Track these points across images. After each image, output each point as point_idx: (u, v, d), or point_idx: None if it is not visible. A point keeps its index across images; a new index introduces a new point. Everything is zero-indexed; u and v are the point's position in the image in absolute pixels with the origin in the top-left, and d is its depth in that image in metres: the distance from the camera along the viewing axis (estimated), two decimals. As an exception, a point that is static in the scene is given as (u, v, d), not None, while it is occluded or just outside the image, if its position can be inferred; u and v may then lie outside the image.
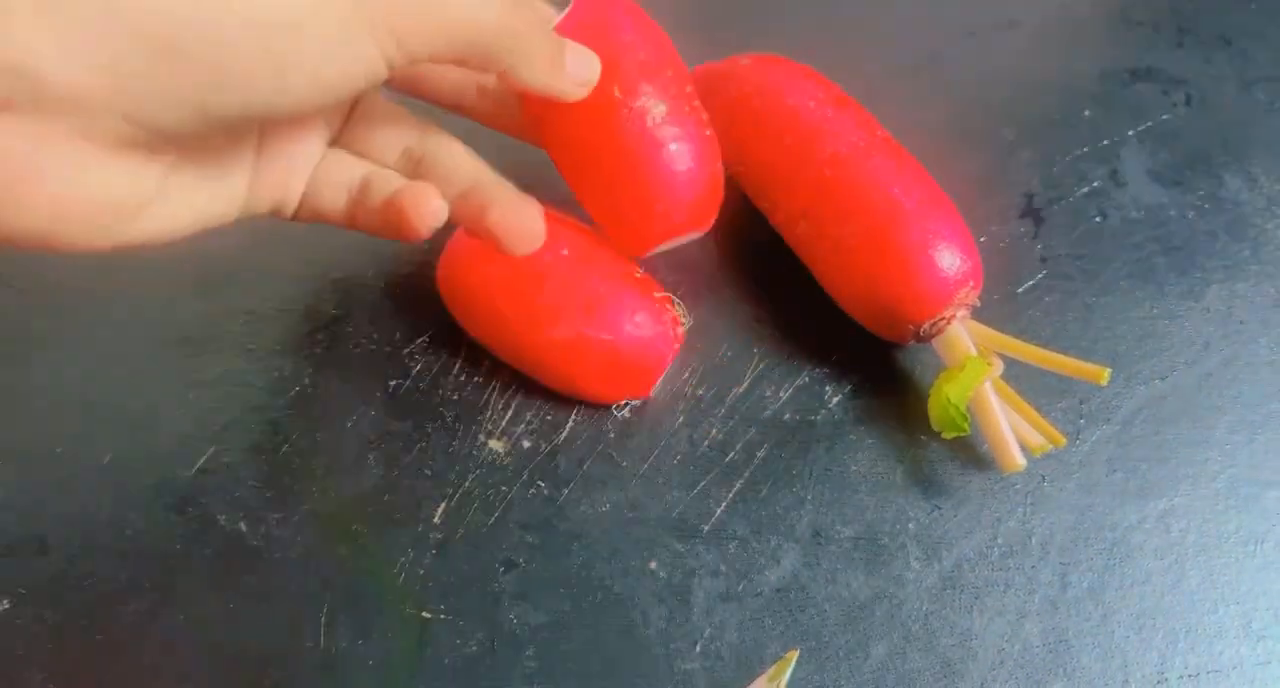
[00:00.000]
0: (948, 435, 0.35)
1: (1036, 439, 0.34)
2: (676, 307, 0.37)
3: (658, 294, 0.36)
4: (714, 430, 0.37)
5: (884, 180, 0.36)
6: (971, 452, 0.37)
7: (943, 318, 0.35)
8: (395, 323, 0.38)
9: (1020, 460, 0.34)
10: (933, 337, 0.36)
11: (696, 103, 0.35)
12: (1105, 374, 0.33)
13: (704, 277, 0.41)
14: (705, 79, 0.41)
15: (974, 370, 0.34)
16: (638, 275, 0.36)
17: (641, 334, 0.35)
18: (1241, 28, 0.52)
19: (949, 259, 0.35)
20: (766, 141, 0.38)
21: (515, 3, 0.28)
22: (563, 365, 0.35)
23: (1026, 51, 0.51)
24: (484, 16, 0.27)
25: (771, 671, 0.31)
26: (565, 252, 0.35)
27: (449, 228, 0.41)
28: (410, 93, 0.35)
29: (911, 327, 0.36)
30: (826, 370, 0.38)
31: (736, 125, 0.39)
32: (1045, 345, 0.39)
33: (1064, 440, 0.34)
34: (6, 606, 0.32)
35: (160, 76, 0.23)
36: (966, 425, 0.34)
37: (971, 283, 0.36)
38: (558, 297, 0.34)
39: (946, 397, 0.34)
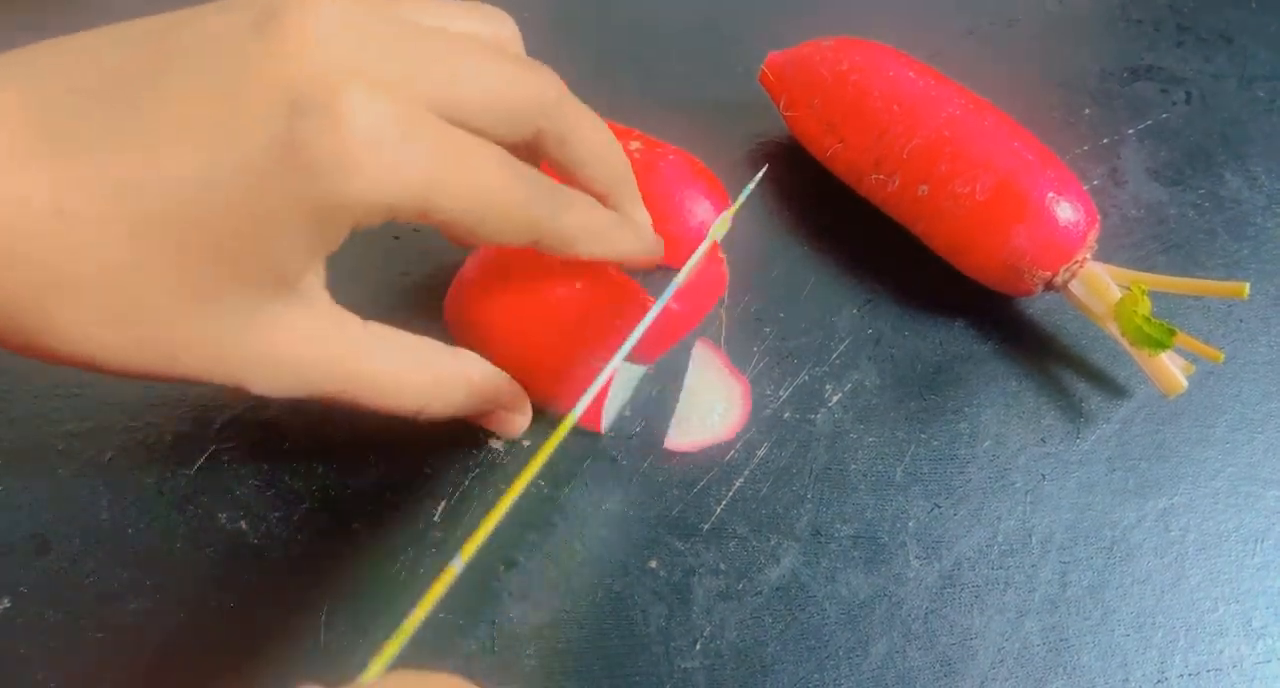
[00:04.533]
0: (1153, 354, 0.35)
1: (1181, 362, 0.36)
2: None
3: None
4: (714, 429, 0.37)
5: (1003, 135, 0.37)
6: (971, 450, 0.37)
7: (1077, 261, 0.36)
8: (395, 321, 0.38)
9: (1183, 381, 0.35)
10: (1066, 282, 0.37)
11: None
12: (1245, 289, 0.34)
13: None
14: (788, 65, 0.42)
15: (1134, 299, 0.35)
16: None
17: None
18: (1242, 25, 0.52)
19: (1077, 203, 0.37)
20: (873, 113, 0.39)
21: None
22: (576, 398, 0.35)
23: (1026, 50, 0.51)
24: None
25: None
26: (579, 286, 0.34)
27: (452, 255, 0.42)
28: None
29: (1048, 274, 0.37)
30: (826, 369, 0.38)
31: (833, 104, 0.40)
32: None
33: (1221, 356, 0.35)
34: (7, 604, 0.32)
35: (113, 334, 0.25)
36: (1170, 340, 0.34)
37: (1095, 225, 0.37)
38: (572, 334, 0.33)
39: (1140, 315, 0.34)
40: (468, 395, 0.31)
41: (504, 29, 0.30)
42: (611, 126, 0.40)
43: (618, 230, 0.32)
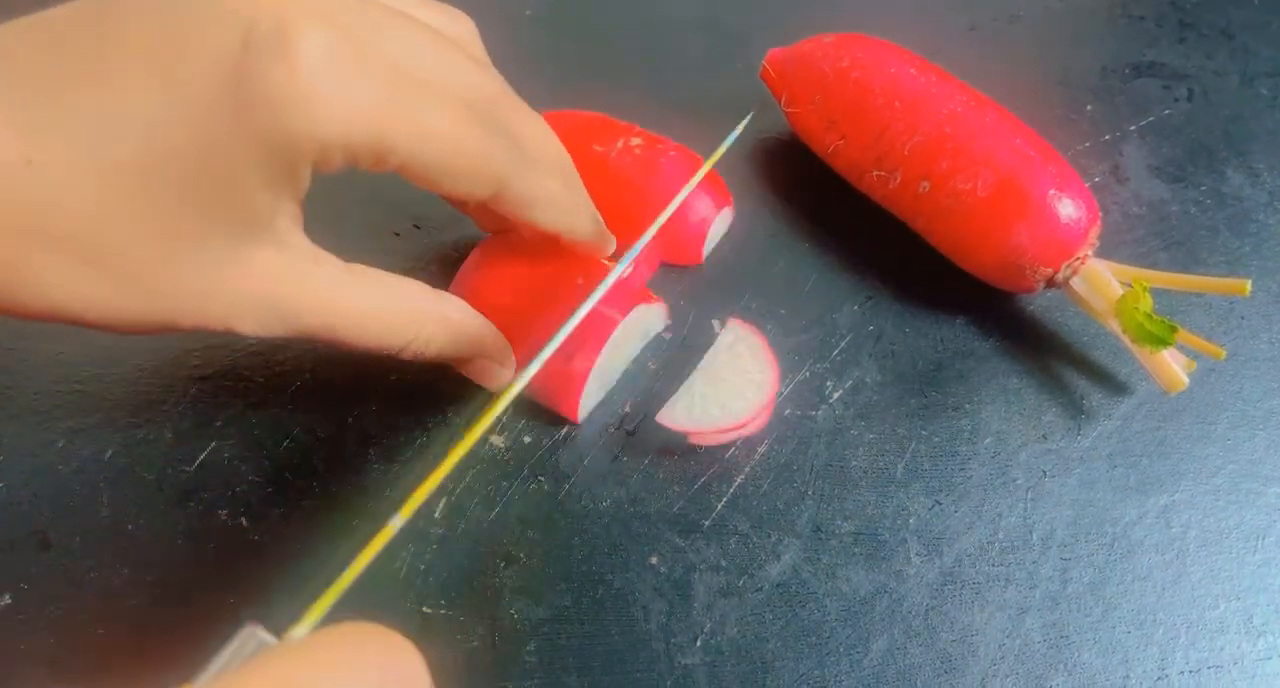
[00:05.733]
0: (1154, 350, 0.35)
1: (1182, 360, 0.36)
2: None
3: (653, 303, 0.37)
4: (715, 426, 0.37)
5: (1005, 131, 0.37)
6: (972, 447, 0.37)
7: (1078, 258, 0.36)
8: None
9: (1184, 378, 0.35)
10: (1068, 279, 0.37)
11: None
12: (1246, 286, 0.34)
13: (704, 276, 0.41)
14: (789, 61, 0.42)
15: (1135, 295, 0.35)
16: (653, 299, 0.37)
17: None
18: (1243, 22, 0.52)
19: (1078, 200, 0.36)
20: (875, 110, 0.39)
21: None
22: (578, 394, 0.35)
23: (1028, 46, 0.51)
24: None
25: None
26: (580, 281, 0.35)
27: (457, 250, 0.42)
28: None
29: (1050, 271, 0.37)
30: (827, 366, 0.38)
31: (835, 99, 0.40)
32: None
33: (1222, 353, 0.35)
34: (8, 601, 0.32)
35: (91, 285, 0.25)
36: (1172, 337, 0.34)
37: (1096, 222, 0.37)
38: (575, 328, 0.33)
39: (1141, 312, 0.34)
40: (449, 334, 0.32)
41: (461, 27, 0.30)
42: (612, 123, 0.40)
43: (577, 207, 0.32)
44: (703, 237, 0.40)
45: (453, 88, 0.27)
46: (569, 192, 0.32)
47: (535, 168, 0.30)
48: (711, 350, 0.37)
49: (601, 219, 0.34)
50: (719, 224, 0.40)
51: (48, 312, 0.24)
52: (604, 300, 0.33)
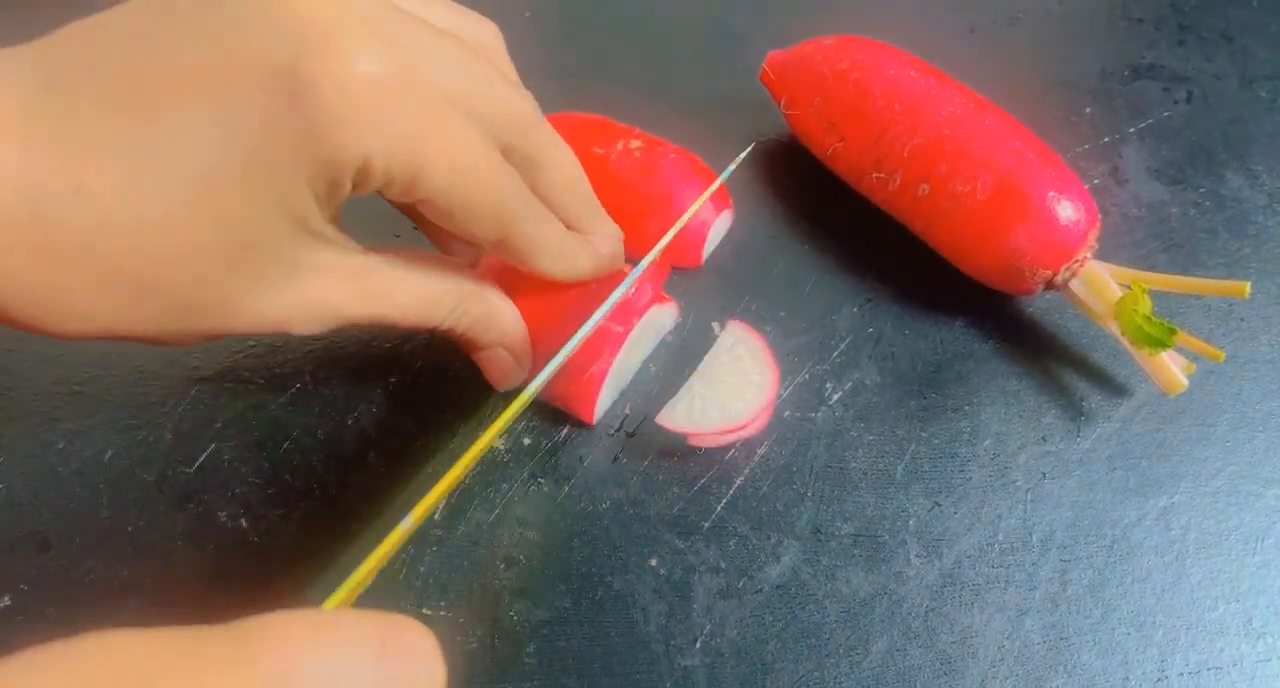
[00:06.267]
0: (1154, 352, 0.35)
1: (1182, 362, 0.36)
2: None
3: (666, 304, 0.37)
4: (714, 427, 0.37)
5: (1004, 134, 0.37)
6: (972, 448, 0.37)
7: (1077, 260, 0.36)
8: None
9: (1183, 380, 0.35)
10: (1067, 281, 0.37)
11: None
12: (1246, 288, 0.34)
13: (704, 278, 0.41)
14: (789, 63, 0.42)
15: (1134, 297, 0.35)
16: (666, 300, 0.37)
17: None
18: (1242, 24, 0.52)
19: (1077, 202, 0.37)
20: (874, 112, 0.39)
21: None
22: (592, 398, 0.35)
23: (1027, 48, 0.51)
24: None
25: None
26: (593, 285, 0.35)
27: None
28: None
29: (1049, 273, 0.37)
30: (827, 367, 0.38)
31: (835, 101, 0.40)
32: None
33: (1221, 355, 0.35)
34: (8, 602, 0.32)
35: (140, 307, 0.25)
36: (1171, 339, 0.34)
37: (1096, 224, 0.37)
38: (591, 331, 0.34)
39: (1140, 314, 0.34)
40: (483, 309, 0.32)
41: (486, 32, 0.31)
42: (612, 125, 0.40)
43: (579, 254, 0.33)
44: (703, 239, 0.40)
45: (487, 115, 0.27)
46: (576, 242, 0.32)
47: (543, 218, 0.30)
48: (711, 352, 0.37)
49: (617, 239, 0.34)
50: (719, 226, 0.41)
51: (96, 334, 0.25)
52: (619, 304, 0.34)
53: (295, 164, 0.24)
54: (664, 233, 0.36)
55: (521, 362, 0.35)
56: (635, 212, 0.37)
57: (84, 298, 0.24)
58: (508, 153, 0.29)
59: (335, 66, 0.23)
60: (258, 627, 0.18)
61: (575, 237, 0.32)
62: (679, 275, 0.40)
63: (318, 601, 0.24)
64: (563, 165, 0.31)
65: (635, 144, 0.39)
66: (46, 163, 0.22)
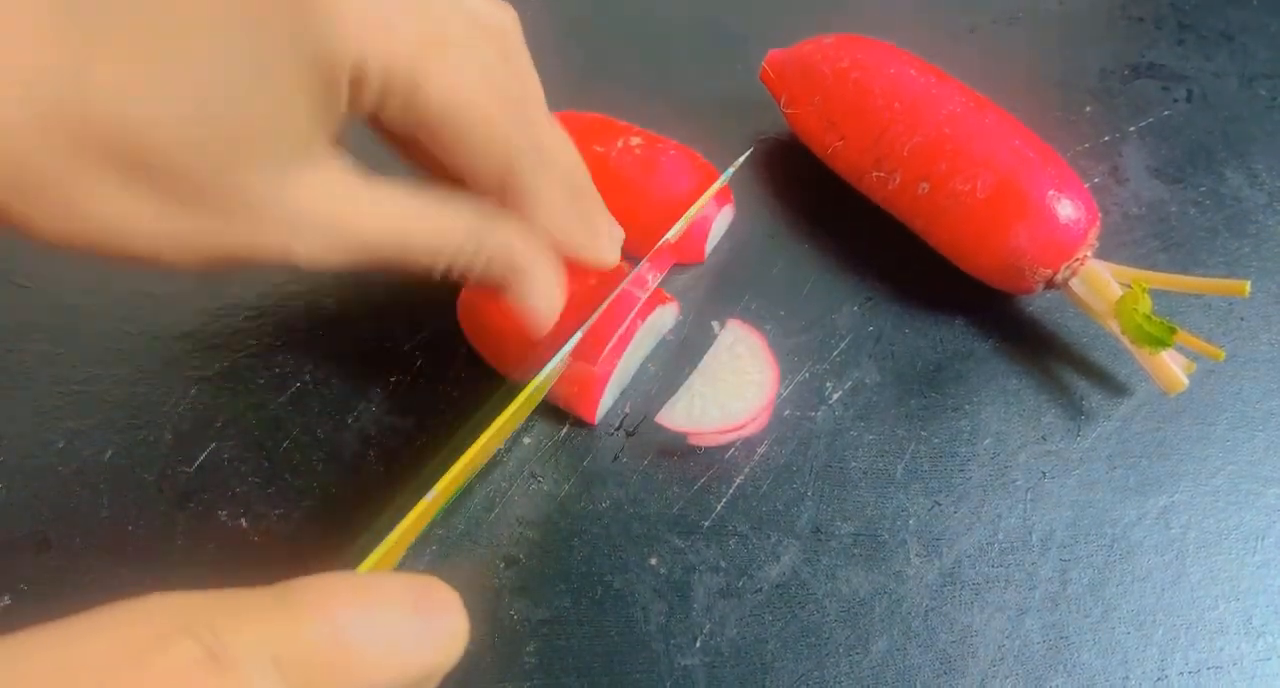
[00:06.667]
0: (1154, 352, 0.35)
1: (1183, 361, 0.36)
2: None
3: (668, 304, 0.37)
4: (714, 427, 0.37)
5: (1004, 133, 0.37)
6: (972, 448, 0.37)
7: (1077, 259, 0.36)
8: (396, 320, 0.38)
9: (1183, 379, 0.35)
10: (1067, 280, 0.37)
11: None
12: (1246, 287, 0.35)
13: (704, 276, 0.41)
14: (789, 62, 0.42)
15: (1134, 296, 0.35)
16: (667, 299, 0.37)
17: None
18: (1242, 23, 0.52)
19: (1077, 201, 0.37)
20: (874, 111, 0.39)
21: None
22: (595, 396, 0.35)
23: (1027, 47, 0.51)
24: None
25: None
26: (593, 281, 0.35)
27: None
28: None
29: (1049, 272, 0.37)
30: (827, 367, 0.38)
31: (835, 100, 0.40)
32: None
33: (1221, 354, 0.35)
34: (8, 602, 0.32)
35: (154, 202, 0.25)
36: (1171, 338, 0.34)
37: (1096, 223, 0.37)
38: (595, 327, 0.33)
39: (1141, 313, 0.34)
40: (511, 237, 0.30)
41: (505, 15, 0.30)
42: (612, 123, 0.40)
43: (586, 222, 0.32)
44: (705, 234, 0.40)
45: (490, 66, 0.27)
46: (573, 204, 0.32)
47: (548, 168, 0.30)
48: (711, 351, 0.37)
49: (614, 234, 0.34)
50: (720, 222, 0.41)
51: (95, 233, 0.24)
52: (627, 304, 0.33)
53: (292, 65, 0.24)
54: (666, 230, 0.36)
55: (556, 290, 0.32)
56: (637, 209, 0.37)
57: (85, 189, 0.23)
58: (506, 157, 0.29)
59: None
60: (302, 586, 0.20)
61: (583, 204, 0.32)
62: (679, 274, 0.40)
63: (351, 566, 0.25)
64: (560, 150, 0.31)
65: (635, 142, 0.39)
66: (73, 57, 0.22)
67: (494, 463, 0.35)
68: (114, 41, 0.23)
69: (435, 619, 0.21)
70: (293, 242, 0.26)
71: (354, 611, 0.20)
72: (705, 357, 0.37)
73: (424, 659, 0.21)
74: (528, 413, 0.35)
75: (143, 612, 0.18)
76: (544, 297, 0.31)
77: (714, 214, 0.39)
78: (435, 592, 0.21)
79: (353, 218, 0.27)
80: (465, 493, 0.35)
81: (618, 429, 0.36)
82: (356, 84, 0.25)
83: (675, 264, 0.40)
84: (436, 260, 0.29)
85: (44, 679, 0.17)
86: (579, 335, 0.33)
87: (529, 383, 0.31)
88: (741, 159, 0.40)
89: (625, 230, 0.36)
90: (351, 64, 0.24)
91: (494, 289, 0.31)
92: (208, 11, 0.23)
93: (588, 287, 0.34)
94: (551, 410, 0.36)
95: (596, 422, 0.36)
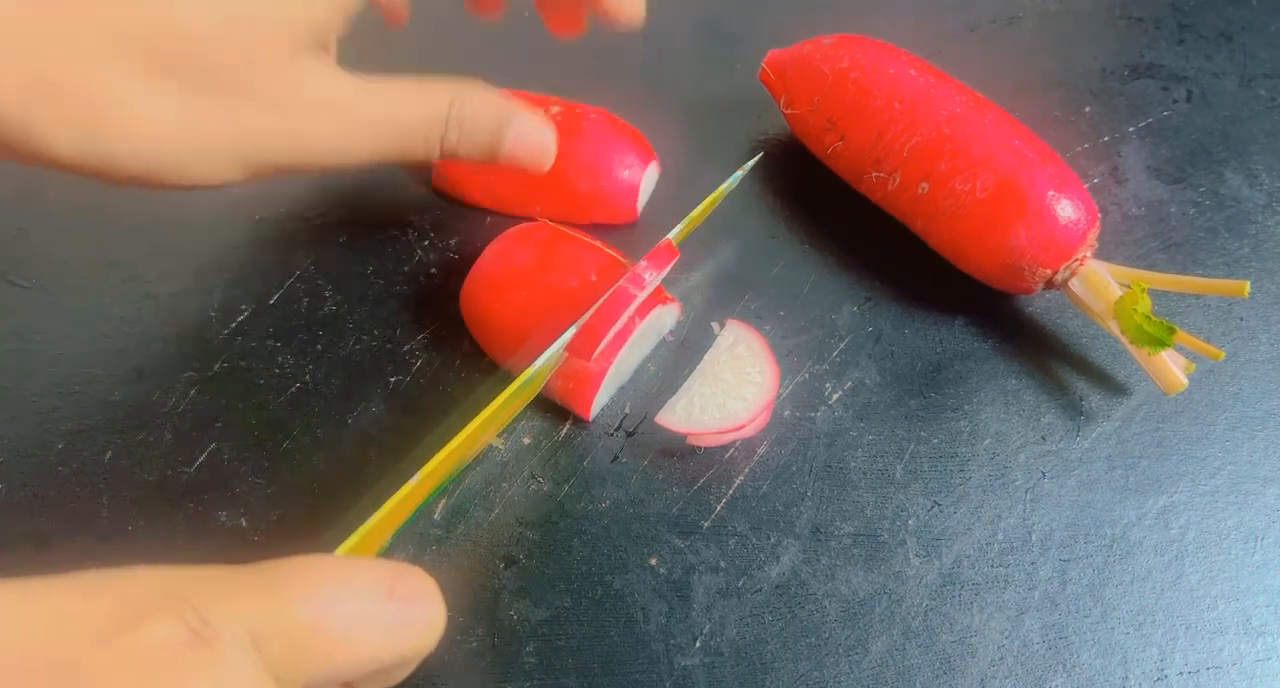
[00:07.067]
0: (1153, 352, 0.35)
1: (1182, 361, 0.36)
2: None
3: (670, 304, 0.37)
4: (714, 427, 0.37)
5: (1004, 133, 0.37)
6: (971, 448, 0.37)
7: (1077, 259, 0.36)
8: (396, 319, 0.39)
9: (1183, 379, 0.35)
10: (1066, 281, 0.37)
11: None
12: (1245, 287, 0.35)
13: (704, 277, 0.41)
14: (789, 63, 0.42)
15: (1134, 296, 0.35)
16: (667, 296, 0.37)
17: None
18: (1242, 23, 0.52)
19: (1077, 201, 0.37)
20: (874, 111, 0.39)
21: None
22: (592, 391, 0.35)
23: (1027, 47, 0.51)
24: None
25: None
26: (594, 277, 0.35)
27: (458, 252, 0.42)
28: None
29: (1048, 272, 0.37)
30: (826, 367, 0.38)
31: (834, 101, 0.40)
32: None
33: (1221, 354, 0.35)
34: (8, 602, 0.32)
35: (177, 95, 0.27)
36: (1170, 338, 0.34)
37: (1095, 223, 0.37)
38: (591, 322, 0.34)
39: (1140, 313, 0.34)
40: (488, 96, 0.33)
41: None
42: (531, 96, 0.41)
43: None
44: (635, 194, 0.40)
45: None
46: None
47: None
48: (711, 351, 0.37)
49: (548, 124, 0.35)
50: (648, 180, 0.41)
51: (115, 142, 0.26)
52: (623, 300, 0.34)
53: None
54: (594, 193, 0.37)
55: (545, 129, 0.34)
56: (563, 172, 0.38)
57: (128, 93, 0.25)
58: None
59: None
60: (284, 565, 0.20)
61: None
62: (678, 274, 0.40)
63: (330, 548, 0.25)
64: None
65: (555, 110, 0.39)
66: None
67: (493, 464, 0.35)
68: None
69: (410, 606, 0.22)
70: (308, 127, 0.29)
71: (328, 591, 0.20)
72: (705, 357, 0.37)
73: (396, 644, 0.21)
74: (523, 406, 0.35)
75: (128, 582, 0.19)
76: (535, 130, 0.34)
77: (640, 173, 0.40)
78: (411, 578, 0.22)
79: (357, 102, 0.30)
80: (465, 494, 0.35)
81: (618, 429, 0.36)
82: None
83: (607, 224, 0.41)
84: (430, 134, 0.32)
85: (28, 636, 0.17)
86: (574, 329, 0.33)
87: (521, 373, 0.31)
88: (751, 163, 0.40)
89: (554, 197, 0.36)
90: None
91: (487, 154, 0.33)
92: None
93: (585, 281, 0.34)
94: (551, 411, 0.36)
95: (592, 418, 0.36)
